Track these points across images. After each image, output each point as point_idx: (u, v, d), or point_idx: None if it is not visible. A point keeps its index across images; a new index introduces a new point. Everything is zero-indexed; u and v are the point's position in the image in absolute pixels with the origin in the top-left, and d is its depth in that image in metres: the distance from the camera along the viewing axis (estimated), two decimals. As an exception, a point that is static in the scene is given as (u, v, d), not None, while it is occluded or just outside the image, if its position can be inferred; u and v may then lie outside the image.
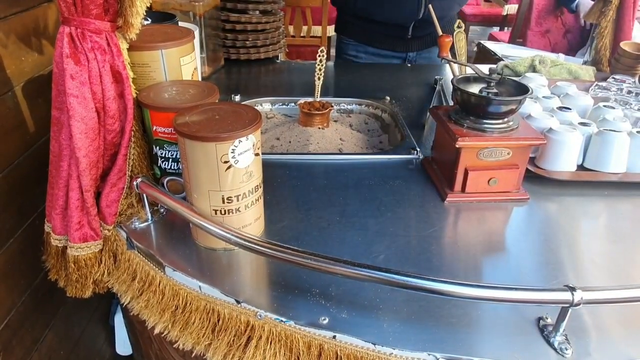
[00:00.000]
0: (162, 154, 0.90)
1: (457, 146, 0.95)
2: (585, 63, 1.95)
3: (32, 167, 1.10)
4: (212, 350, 0.77)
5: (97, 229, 0.89)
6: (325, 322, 0.72)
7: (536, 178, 1.09)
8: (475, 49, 2.60)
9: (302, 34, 3.73)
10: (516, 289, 0.68)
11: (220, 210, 0.81)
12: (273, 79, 1.79)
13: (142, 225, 0.91)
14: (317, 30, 3.73)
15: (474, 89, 1.01)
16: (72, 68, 0.78)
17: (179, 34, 0.98)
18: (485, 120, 0.98)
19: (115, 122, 0.85)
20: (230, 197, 0.80)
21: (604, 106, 1.26)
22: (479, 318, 0.74)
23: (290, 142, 1.34)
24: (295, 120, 1.43)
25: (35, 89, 1.09)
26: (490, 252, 0.91)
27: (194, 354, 0.80)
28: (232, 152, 0.76)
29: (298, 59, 3.83)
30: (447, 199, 1.01)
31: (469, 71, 1.06)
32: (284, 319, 0.72)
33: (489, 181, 1.00)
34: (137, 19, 0.77)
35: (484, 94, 0.97)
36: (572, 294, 0.66)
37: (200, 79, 1.59)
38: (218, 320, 0.77)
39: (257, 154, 0.81)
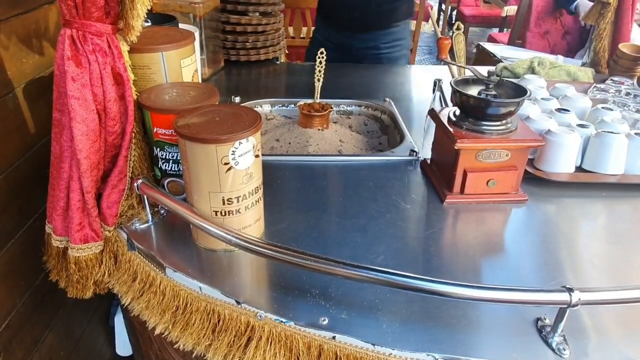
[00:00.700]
0: (162, 155, 0.91)
1: (456, 148, 0.96)
2: (584, 65, 1.96)
3: (33, 168, 1.10)
4: (212, 350, 0.77)
5: (97, 230, 0.90)
6: (325, 322, 0.72)
7: (535, 179, 1.10)
8: (474, 50, 2.61)
9: (301, 35, 3.73)
10: (514, 289, 0.68)
11: (221, 212, 0.81)
12: (273, 80, 1.79)
13: (142, 226, 0.92)
14: (316, 31, 3.73)
15: (473, 91, 1.02)
16: (73, 70, 0.78)
17: (180, 36, 0.99)
18: (484, 122, 0.98)
19: (116, 123, 0.86)
20: (231, 198, 0.80)
21: (602, 108, 1.26)
22: (477, 319, 0.75)
23: (290, 143, 1.35)
24: (295, 121, 1.43)
25: (35, 90, 1.10)
26: (489, 253, 0.91)
27: (194, 355, 0.80)
28: (232, 154, 0.76)
29: (298, 61, 3.83)
30: (446, 200, 1.02)
31: (468, 73, 1.07)
32: (284, 320, 0.73)
33: (487, 183, 1.00)
34: (138, 22, 0.77)
35: (482, 96, 0.98)
36: (570, 295, 0.66)
37: (200, 81, 1.61)
38: (218, 321, 0.78)
39: (257, 156, 0.81)
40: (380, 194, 1.06)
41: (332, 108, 1.40)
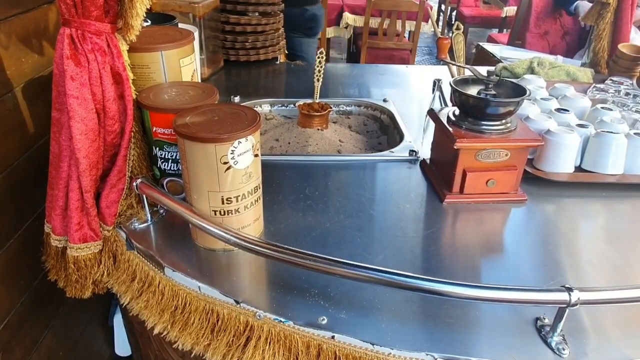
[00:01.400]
0: (161, 154, 0.91)
1: (455, 147, 0.96)
2: (583, 65, 1.96)
3: (32, 168, 1.10)
4: (211, 350, 0.77)
5: (96, 229, 0.90)
6: (324, 322, 0.72)
7: (534, 179, 1.10)
8: (474, 50, 2.61)
9: (301, 36, 3.74)
10: (513, 289, 0.68)
11: (220, 211, 0.81)
12: (272, 80, 1.79)
13: (141, 226, 0.92)
14: (316, 31, 3.74)
15: (472, 90, 1.02)
16: (72, 69, 0.78)
17: (179, 36, 0.99)
18: (483, 122, 0.98)
19: (115, 123, 0.85)
20: (230, 197, 0.80)
21: (602, 108, 1.26)
22: (476, 318, 0.75)
23: (289, 143, 1.35)
24: (295, 121, 1.43)
25: (35, 90, 1.10)
26: (489, 253, 0.91)
27: (193, 355, 0.80)
28: (231, 153, 0.76)
29: (297, 61, 3.84)
30: (446, 200, 1.02)
31: (468, 73, 1.07)
32: (282, 319, 0.73)
33: (487, 182, 1.00)
34: (137, 21, 0.77)
35: (482, 95, 0.98)
36: (569, 295, 0.66)
37: (199, 81, 1.61)
38: (217, 321, 0.78)
39: (256, 155, 0.81)
40: (380, 194, 1.06)
41: (331, 108, 1.40)
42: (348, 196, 1.04)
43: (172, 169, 0.92)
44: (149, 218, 0.92)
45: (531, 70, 1.79)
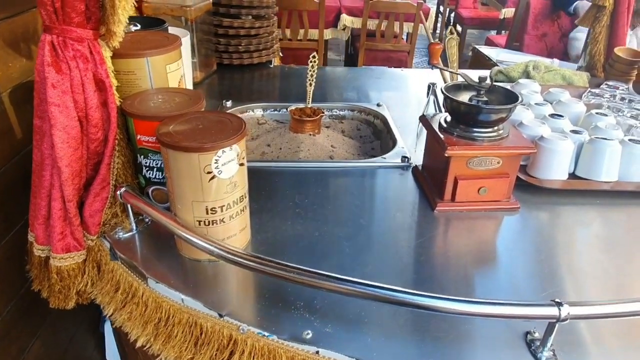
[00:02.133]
0: (146, 163, 0.89)
1: (446, 155, 0.94)
2: (579, 69, 1.94)
3: (20, 174, 1.09)
4: (195, 364, 0.75)
5: (80, 239, 0.88)
6: (309, 336, 0.70)
7: (527, 186, 1.08)
8: (470, 53, 2.59)
9: (298, 37, 3.72)
10: (503, 304, 0.67)
11: (204, 221, 0.80)
12: (266, 84, 1.78)
13: (126, 235, 0.90)
14: (314, 33, 3.73)
15: (464, 96, 1.00)
16: (53, 77, 0.77)
17: (166, 41, 0.97)
18: (475, 129, 0.97)
19: (99, 131, 0.84)
20: (214, 207, 0.78)
21: (597, 113, 1.25)
22: (466, 332, 0.73)
23: (281, 148, 1.33)
24: (287, 126, 1.42)
25: (23, 95, 1.08)
26: (481, 263, 0.90)
27: (177, 367, 0.78)
28: (215, 163, 0.74)
29: (294, 63, 3.82)
30: (437, 208, 1.00)
31: (461, 79, 1.05)
32: (266, 334, 0.71)
33: (479, 190, 0.98)
34: (120, 28, 0.76)
35: (473, 102, 0.96)
36: (559, 309, 0.64)
37: (191, 85, 1.59)
38: (201, 334, 0.76)
39: (241, 164, 0.80)
40: (370, 201, 1.04)
41: (323, 113, 1.38)
42: (338, 204, 1.03)
43: (157, 177, 0.91)
44: (134, 227, 0.91)
45: (526, 74, 1.77)
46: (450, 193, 0.99)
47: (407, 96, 1.69)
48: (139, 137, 0.87)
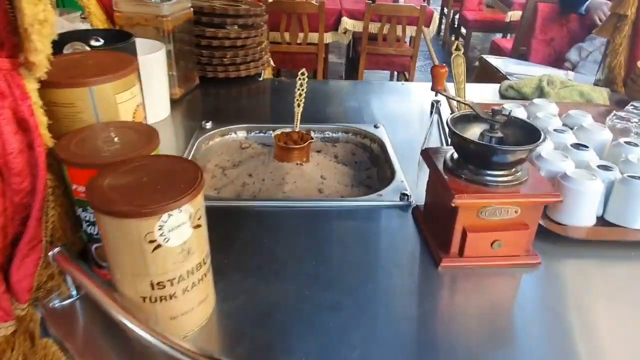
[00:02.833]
0: (86, 217, 0.73)
1: (453, 205, 0.78)
2: (597, 83, 1.77)
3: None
4: None
5: (7, 308, 0.72)
6: None
7: (548, 232, 0.92)
8: (476, 63, 2.42)
9: (298, 41, 3.57)
10: None
11: (150, 298, 0.64)
12: (253, 100, 1.62)
13: (63, 303, 0.74)
14: (314, 37, 3.58)
15: (475, 130, 0.84)
16: (-42, 118, 0.61)
17: (117, 64, 0.81)
18: (487, 171, 0.81)
19: (24, 180, 0.68)
20: (162, 282, 0.62)
21: (625, 143, 1.08)
22: None
23: (263, 180, 1.17)
24: (273, 151, 1.26)
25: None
26: (493, 338, 0.73)
27: None
28: (160, 229, 0.58)
29: (293, 68, 3.66)
30: (442, 265, 0.84)
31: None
32: None
33: (492, 244, 0.82)
34: (39, 57, 0.60)
35: (486, 139, 0.80)
36: None
37: (168, 103, 1.43)
38: None
39: (197, 226, 0.63)
40: (363, 254, 0.88)
41: (312, 139, 1.22)
42: (323, 258, 0.86)
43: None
44: (74, 293, 0.75)
45: (540, 90, 1.61)
46: (457, 246, 0.83)
47: (409, 114, 1.53)
48: (75, 186, 0.71)
